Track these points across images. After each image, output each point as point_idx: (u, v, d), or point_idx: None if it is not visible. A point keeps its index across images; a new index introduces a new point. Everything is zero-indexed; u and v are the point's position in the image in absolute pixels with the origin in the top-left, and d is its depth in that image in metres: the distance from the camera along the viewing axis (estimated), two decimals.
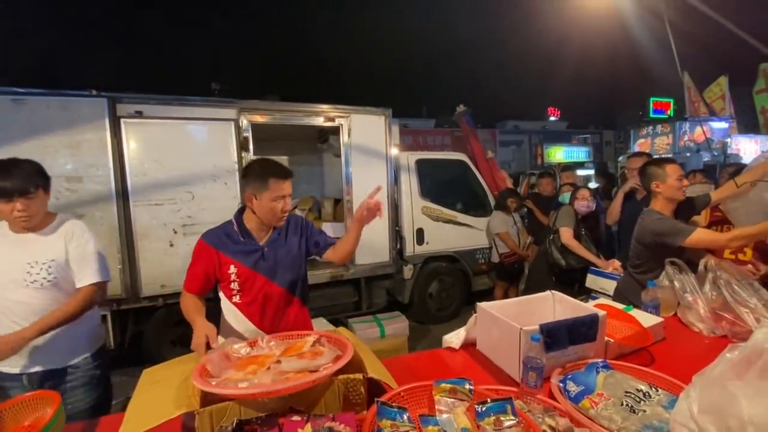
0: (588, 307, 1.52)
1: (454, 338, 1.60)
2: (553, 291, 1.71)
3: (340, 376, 1.05)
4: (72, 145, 2.77)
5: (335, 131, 3.93)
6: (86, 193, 2.83)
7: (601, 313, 1.41)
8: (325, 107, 3.68)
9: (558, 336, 1.31)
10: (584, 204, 2.98)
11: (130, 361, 3.23)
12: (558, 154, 15.40)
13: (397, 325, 3.91)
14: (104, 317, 3.01)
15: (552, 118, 23.04)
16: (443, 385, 1.10)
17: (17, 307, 1.45)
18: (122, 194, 2.94)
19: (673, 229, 1.86)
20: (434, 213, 4.42)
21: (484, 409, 1.01)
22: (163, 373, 1.12)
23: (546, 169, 5.75)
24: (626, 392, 1.14)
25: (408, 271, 4.38)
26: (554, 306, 1.67)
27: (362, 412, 1.06)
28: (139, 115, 2.97)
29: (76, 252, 1.54)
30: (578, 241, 2.98)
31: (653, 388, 1.15)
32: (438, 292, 4.62)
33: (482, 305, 1.54)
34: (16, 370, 1.49)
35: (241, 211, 1.63)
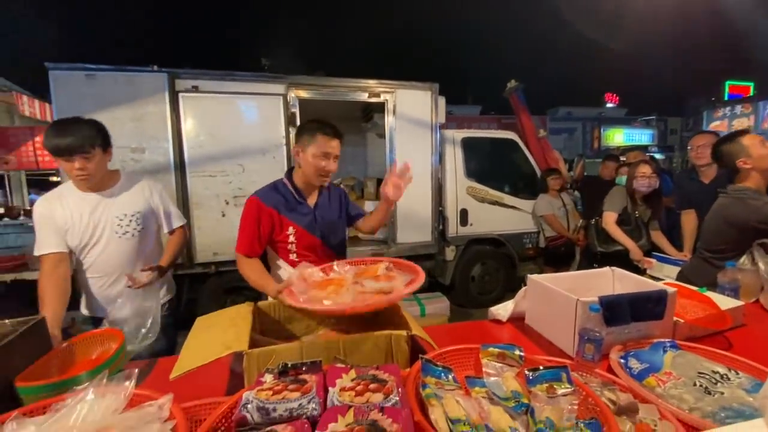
0: (654, 284, 1.38)
1: (501, 310, 1.53)
2: (613, 267, 1.58)
3: (384, 332, 1.03)
4: (136, 117, 2.96)
5: (380, 108, 3.89)
6: (148, 164, 3.02)
7: (671, 289, 1.28)
8: (370, 82, 3.64)
9: (619, 310, 1.21)
10: (644, 182, 2.68)
11: (182, 327, 3.45)
12: (617, 137, 13.96)
13: (438, 305, 3.87)
14: None
15: (609, 105, 21.36)
16: (491, 349, 1.05)
17: (111, 259, 1.59)
18: (180, 165, 3.11)
19: None
20: (480, 194, 4.28)
21: (535, 375, 0.95)
22: (215, 320, 1.16)
23: (611, 152, 5.33)
24: (700, 373, 1.02)
25: (450, 253, 4.30)
26: (614, 283, 1.55)
27: (404, 371, 1.04)
28: (195, 89, 3.11)
29: (158, 203, 1.72)
30: (627, 225, 2.75)
31: (732, 371, 1.02)
32: (481, 276, 4.51)
33: (533, 277, 1.45)
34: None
35: (290, 171, 1.68)
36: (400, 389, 0.78)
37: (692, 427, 0.84)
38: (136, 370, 0.82)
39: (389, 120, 3.77)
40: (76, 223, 1.53)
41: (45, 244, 1.50)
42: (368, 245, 3.97)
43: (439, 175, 4.07)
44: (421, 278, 1.15)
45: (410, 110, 3.81)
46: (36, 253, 1.50)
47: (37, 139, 6.09)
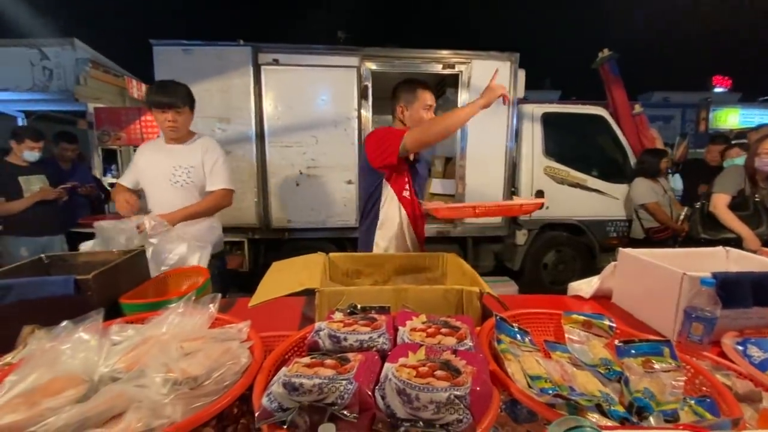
0: None
1: (584, 286, 1.39)
2: (728, 248, 1.35)
3: (456, 286, 0.98)
4: (224, 89, 3.17)
5: (453, 81, 3.73)
6: (233, 133, 3.24)
7: None
8: (445, 53, 3.50)
9: (738, 291, 1.03)
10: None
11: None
12: (730, 118, 11.31)
13: (505, 289, 3.71)
14: (241, 244, 3.49)
15: (718, 89, 18.15)
16: (575, 316, 0.95)
17: (163, 201, 1.79)
18: (260, 135, 3.29)
19: None
20: (559, 174, 3.94)
21: (628, 347, 0.84)
22: (289, 264, 1.20)
23: (721, 133, 4.53)
24: None
25: (521, 237, 4.06)
26: (728, 266, 1.32)
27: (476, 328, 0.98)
28: (275, 62, 3.24)
29: (209, 162, 1.85)
30: (744, 210, 2.31)
31: None
32: (554, 264, 4.20)
33: (626, 250, 1.29)
34: None
35: None
36: (473, 337, 0.73)
37: None
38: (219, 295, 0.87)
39: (463, 94, 3.61)
40: (147, 163, 1.83)
41: (123, 177, 1.90)
42: (432, 223, 3.90)
43: (513, 153, 3.83)
44: (540, 204, 1.35)
45: (486, 83, 3.58)
46: (118, 180, 1.91)
47: (143, 118, 6.91)
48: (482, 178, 3.77)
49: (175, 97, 1.73)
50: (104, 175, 8.17)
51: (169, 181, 1.79)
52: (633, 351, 0.83)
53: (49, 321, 0.77)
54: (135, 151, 1.91)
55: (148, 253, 1.36)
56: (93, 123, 6.77)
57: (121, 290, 1.07)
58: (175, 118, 1.74)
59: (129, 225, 1.43)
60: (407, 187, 1.68)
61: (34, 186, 2.83)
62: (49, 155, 3.52)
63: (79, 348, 0.68)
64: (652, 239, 3.52)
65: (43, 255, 1.18)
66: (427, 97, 1.67)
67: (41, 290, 0.93)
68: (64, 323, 0.73)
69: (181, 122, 1.77)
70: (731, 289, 1.01)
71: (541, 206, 1.37)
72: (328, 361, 0.61)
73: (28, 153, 2.80)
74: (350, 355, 0.64)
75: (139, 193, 1.89)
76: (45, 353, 0.67)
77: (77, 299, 0.93)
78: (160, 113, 1.73)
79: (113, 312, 0.99)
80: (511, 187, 3.92)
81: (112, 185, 7.08)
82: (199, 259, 1.44)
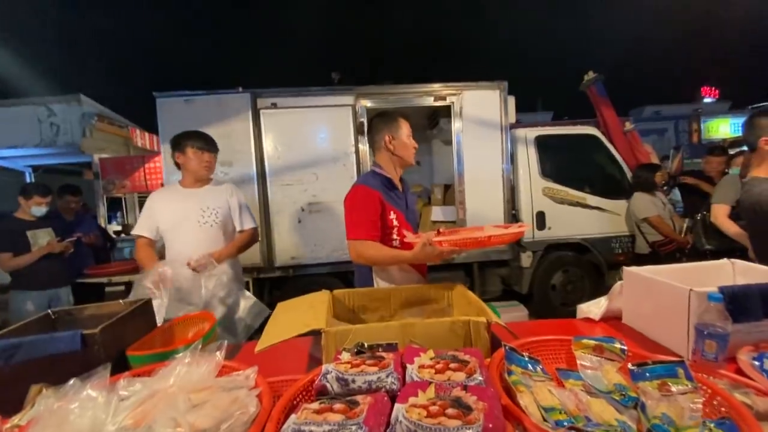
0: None
1: (593, 308, 1.37)
2: (733, 260, 1.34)
3: (462, 317, 0.97)
4: (225, 134, 3.27)
5: (446, 112, 3.84)
6: (236, 175, 3.31)
7: None
8: (436, 86, 3.62)
9: (747, 304, 1.01)
10: None
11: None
12: (722, 128, 11.60)
13: (515, 314, 3.64)
14: (247, 283, 3.48)
15: (708, 100, 18.64)
16: (585, 341, 0.94)
17: (189, 243, 1.85)
18: (261, 176, 3.37)
19: None
20: (558, 194, 3.97)
21: (642, 370, 0.82)
22: (294, 304, 1.20)
23: (718, 144, 4.57)
24: None
25: (526, 259, 4.04)
26: (735, 278, 1.31)
27: (485, 359, 0.97)
28: (273, 106, 3.37)
29: (236, 204, 2.02)
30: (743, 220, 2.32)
31: None
32: (562, 284, 4.14)
33: (631, 269, 1.28)
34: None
35: (375, 164, 1.72)
36: (483, 370, 0.72)
37: None
38: (225, 342, 0.87)
39: (456, 123, 3.71)
40: (168, 208, 1.90)
41: (139, 227, 1.91)
42: None
43: (510, 176, 3.87)
44: (526, 227, 1.38)
45: (478, 111, 3.70)
46: (132, 232, 1.93)
47: (147, 165, 7.08)
48: (482, 202, 3.80)
49: (214, 143, 1.98)
50: (109, 222, 8.29)
51: (197, 222, 1.89)
52: (647, 374, 0.81)
53: (56, 377, 0.77)
54: (148, 199, 1.98)
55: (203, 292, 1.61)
56: (98, 173, 6.93)
57: (127, 341, 1.06)
58: (211, 159, 1.96)
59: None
60: (395, 233, 1.61)
61: (42, 239, 2.87)
62: (53, 208, 3.59)
63: (86, 406, 0.67)
64: (658, 253, 3.48)
65: (50, 310, 1.19)
66: (408, 125, 1.69)
67: (49, 347, 0.93)
68: (72, 381, 0.73)
69: (214, 165, 1.99)
70: (740, 303, 1.00)
71: (521, 235, 1.48)
72: (337, 406, 0.60)
73: (36, 208, 2.86)
74: (359, 398, 0.63)
75: (156, 243, 1.96)
76: (53, 413, 0.66)
77: (84, 354, 0.93)
78: (199, 154, 1.90)
79: (121, 363, 0.98)
80: (512, 209, 3.94)
81: (117, 233, 7.15)
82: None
